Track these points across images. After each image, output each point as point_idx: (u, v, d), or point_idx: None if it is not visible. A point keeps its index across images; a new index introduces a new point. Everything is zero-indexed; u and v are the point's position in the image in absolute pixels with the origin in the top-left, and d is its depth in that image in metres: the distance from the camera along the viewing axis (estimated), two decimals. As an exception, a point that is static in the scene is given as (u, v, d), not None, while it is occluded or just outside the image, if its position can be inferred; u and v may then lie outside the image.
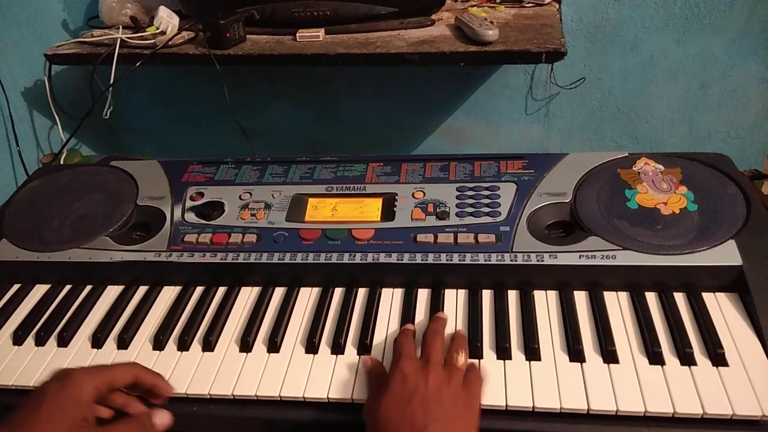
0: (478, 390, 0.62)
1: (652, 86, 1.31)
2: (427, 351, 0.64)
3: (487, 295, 0.75)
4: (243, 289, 0.81)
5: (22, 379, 0.72)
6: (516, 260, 0.74)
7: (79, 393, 0.58)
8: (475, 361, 0.67)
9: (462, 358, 0.64)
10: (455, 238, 0.77)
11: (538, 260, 0.73)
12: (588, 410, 0.61)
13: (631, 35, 1.25)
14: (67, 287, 0.84)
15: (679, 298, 0.72)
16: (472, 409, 0.60)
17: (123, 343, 0.75)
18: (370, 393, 0.64)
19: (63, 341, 0.76)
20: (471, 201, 0.82)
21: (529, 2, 1.21)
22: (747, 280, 0.69)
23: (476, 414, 0.60)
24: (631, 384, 0.63)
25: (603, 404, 0.61)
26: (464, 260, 0.75)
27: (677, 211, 0.77)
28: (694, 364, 0.64)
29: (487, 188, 0.83)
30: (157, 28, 1.16)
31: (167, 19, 1.15)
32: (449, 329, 0.71)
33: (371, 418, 0.59)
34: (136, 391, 0.65)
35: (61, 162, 1.31)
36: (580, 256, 0.73)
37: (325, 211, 0.84)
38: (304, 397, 0.66)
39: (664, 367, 0.64)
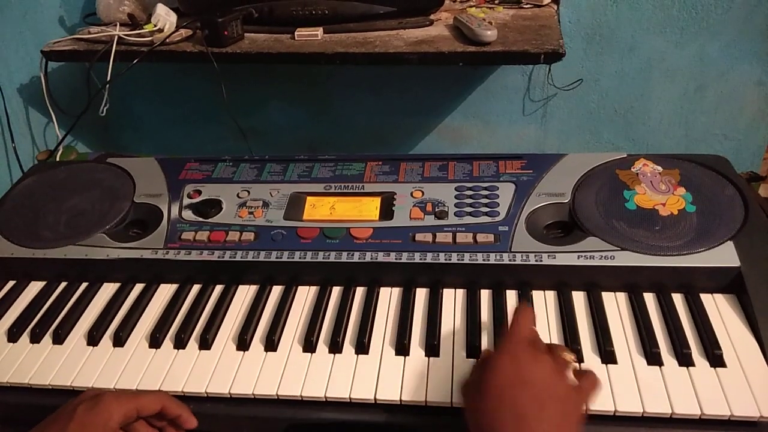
0: (589, 396, 0.57)
1: (650, 88, 1.32)
2: (539, 342, 0.59)
3: (485, 295, 0.75)
4: (240, 287, 0.80)
5: (16, 376, 0.72)
6: (514, 260, 0.74)
7: (108, 418, 0.58)
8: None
9: (570, 356, 0.58)
10: (454, 238, 0.77)
11: (536, 260, 0.73)
12: (586, 410, 0.61)
13: (628, 37, 1.25)
14: (63, 284, 0.84)
15: (677, 299, 0.72)
16: (580, 410, 0.54)
17: (119, 340, 0.74)
18: (473, 374, 0.58)
19: (58, 338, 0.75)
20: (470, 201, 0.81)
21: (527, 3, 1.21)
22: (745, 282, 0.69)
23: (582, 418, 0.54)
24: (629, 384, 0.63)
25: (601, 404, 0.61)
26: (463, 260, 0.75)
27: (675, 212, 0.77)
28: (692, 364, 0.64)
29: (485, 188, 0.83)
30: (155, 26, 1.15)
31: (165, 17, 1.15)
32: (447, 331, 0.71)
33: (474, 400, 0.54)
34: (160, 421, 0.64)
35: (57, 159, 1.30)
36: (578, 257, 0.73)
37: (323, 209, 0.84)
38: (301, 396, 0.66)
39: (662, 367, 0.64)
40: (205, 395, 0.68)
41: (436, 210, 0.81)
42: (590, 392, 0.57)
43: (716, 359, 0.64)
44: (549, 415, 0.51)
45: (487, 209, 0.80)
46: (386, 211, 0.82)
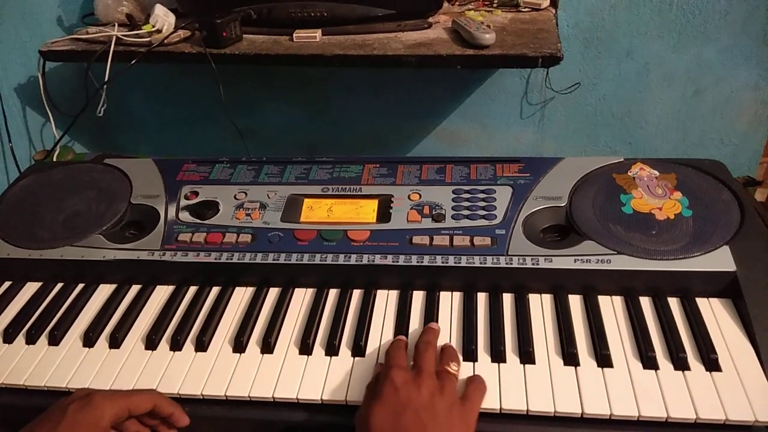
0: (477, 401, 0.61)
1: (647, 92, 1.32)
2: (419, 361, 0.63)
3: (482, 298, 0.75)
4: (237, 289, 0.80)
5: (12, 377, 0.71)
6: (511, 263, 0.74)
7: (99, 416, 0.58)
8: (470, 366, 0.67)
9: (455, 366, 0.63)
10: (451, 241, 0.77)
11: (533, 263, 0.73)
12: (582, 414, 0.61)
13: (626, 41, 1.26)
14: (59, 285, 0.84)
15: (673, 303, 0.72)
16: (467, 420, 0.58)
17: (115, 342, 0.74)
18: (363, 401, 0.63)
19: (54, 340, 0.75)
20: (467, 203, 0.82)
21: (525, 7, 1.21)
22: (740, 286, 0.70)
23: (472, 425, 0.59)
24: (625, 388, 0.63)
25: (597, 408, 0.61)
26: (460, 263, 0.75)
27: (672, 217, 0.77)
28: (688, 368, 0.64)
29: (483, 191, 0.83)
30: (153, 26, 1.15)
31: (163, 18, 1.15)
32: (444, 334, 0.71)
33: (362, 429, 0.58)
34: (152, 419, 0.65)
35: (54, 159, 1.30)
36: (575, 260, 0.73)
37: (320, 211, 0.84)
38: (297, 399, 0.66)
39: (658, 371, 0.64)
40: (201, 397, 0.67)
41: (434, 213, 0.81)
42: (477, 395, 0.61)
43: (712, 363, 0.64)
44: None
45: (485, 212, 0.80)
46: (383, 214, 0.82)
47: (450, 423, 0.57)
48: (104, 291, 0.82)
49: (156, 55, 1.14)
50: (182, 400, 0.68)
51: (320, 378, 0.67)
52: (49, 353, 0.74)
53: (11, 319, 0.79)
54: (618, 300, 0.74)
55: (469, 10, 1.23)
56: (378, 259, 0.76)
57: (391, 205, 0.83)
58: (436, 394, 0.59)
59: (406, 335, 0.71)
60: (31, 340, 0.76)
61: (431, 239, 0.77)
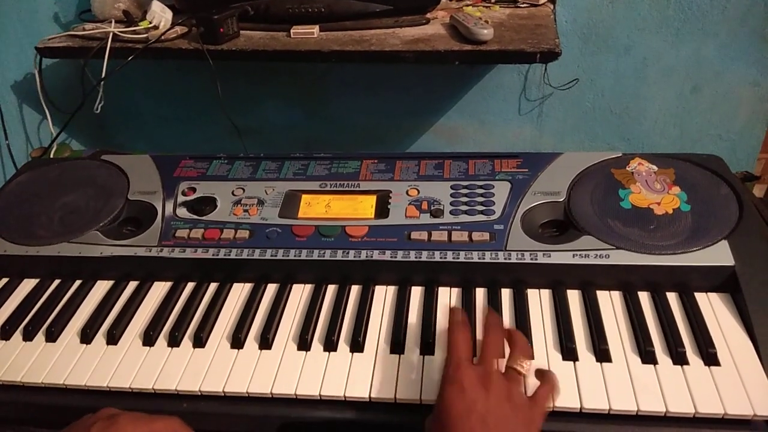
0: (545, 404, 0.57)
1: (645, 88, 1.32)
2: (487, 356, 0.58)
3: (480, 294, 0.75)
4: (235, 285, 0.80)
5: (9, 374, 0.71)
6: (510, 258, 0.74)
7: None
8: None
9: (525, 364, 0.58)
10: (449, 236, 0.77)
11: (531, 259, 0.73)
12: (581, 409, 0.61)
13: (624, 37, 1.26)
14: (56, 282, 0.83)
15: (672, 297, 0.72)
16: (533, 423, 0.55)
17: (112, 338, 0.74)
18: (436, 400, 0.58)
19: (51, 336, 0.75)
20: (465, 199, 0.81)
21: (523, 2, 1.21)
22: (739, 281, 0.69)
23: (538, 427, 0.55)
24: (623, 383, 0.63)
25: (595, 403, 0.61)
26: (458, 258, 0.74)
27: (670, 212, 0.77)
28: (687, 363, 0.64)
29: (481, 186, 0.83)
30: (150, 23, 1.15)
31: (160, 14, 1.14)
32: (442, 330, 0.71)
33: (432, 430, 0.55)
34: None
35: (51, 156, 1.29)
36: (573, 255, 0.73)
37: (318, 207, 0.84)
38: (296, 395, 0.66)
39: (657, 366, 0.64)
40: (199, 393, 0.67)
41: (432, 208, 0.81)
42: (546, 399, 0.57)
43: (710, 358, 0.64)
44: None
45: (483, 208, 0.80)
46: (382, 210, 0.82)
47: (515, 428, 0.54)
48: (101, 287, 0.82)
49: (153, 52, 1.13)
50: (180, 397, 0.68)
51: (318, 374, 0.67)
52: (47, 350, 0.74)
53: (8, 316, 0.78)
54: (616, 295, 0.74)
55: (467, 5, 1.23)
56: (376, 255, 0.76)
57: (389, 200, 0.83)
58: (504, 398, 0.55)
59: (404, 332, 0.71)
60: (28, 337, 0.76)
61: (429, 235, 0.77)
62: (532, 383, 0.60)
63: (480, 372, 0.56)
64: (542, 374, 0.60)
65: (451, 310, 0.64)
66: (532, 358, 0.61)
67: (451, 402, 0.54)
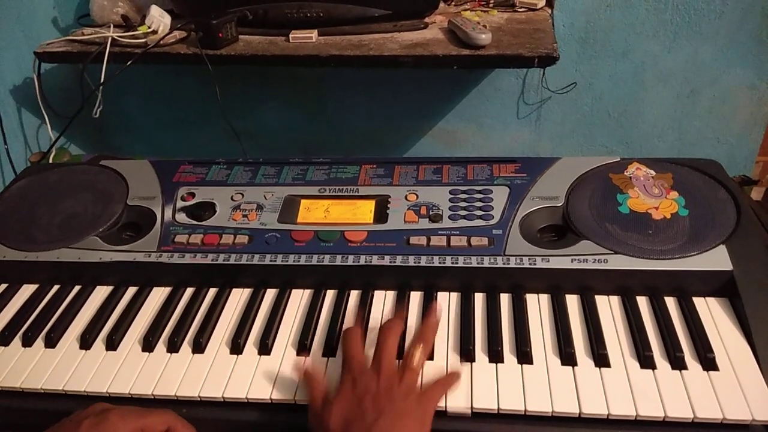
0: (437, 391, 0.61)
1: (643, 92, 1.32)
2: (379, 353, 0.62)
3: (479, 298, 0.75)
4: (234, 290, 0.80)
5: (8, 380, 0.71)
6: (508, 263, 0.74)
7: None
8: (467, 366, 0.67)
9: (417, 357, 0.62)
10: (448, 241, 0.77)
11: (530, 263, 0.73)
12: (579, 414, 0.61)
13: (622, 41, 1.26)
14: (56, 287, 0.83)
15: (670, 302, 0.72)
16: (423, 407, 0.59)
17: (112, 344, 0.74)
18: (313, 400, 0.61)
19: (51, 342, 0.75)
20: (464, 204, 0.82)
21: (521, 7, 1.21)
22: (737, 285, 0.70)
23: (428, 413, 0.59)
24: (622, 388, 0.63)
25: (594, 408, 0.61)
26: (457, 263, 0.75)
27: (668, 216, 0.77)
28: (685, 368, 0.64)
29: (480, 191, 0.83)
30: (149, 27, 1.15)
31: (159, 19, 1.15)
32: (441, 334, 0.71)
33: (323, 424, 0.58)
34: None
35: (50, 161, 1.29)
36: (572, 260, 0.73)
37: (317, 212, 0.84)
38: (294, 400, 0.66)
39: (655, 371, 0.64)
40: (199, 399, 0.67)
41: (431, 213, 0.81)
42: (438, 388, 0.61)
43: (709, 363, 0.64)
44: (391, 414, 0.56)
45: (482, 212, 0.80)
46: (381, 215, 0.82)
47: (406, 407, 0.57)
48: (101, 293, 0.82)
49: (152, 57, 1.13)
50: (179, 402, 0.68)
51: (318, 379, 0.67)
52: (46, 356, 0.74)
53: (7, 322, 0.78)
54: (615, 299, 0.74)
55: (466, 10, 1.23)
56: (375, 260, 0.76)
57: (388, 205, 0.83)
58: (395, 383, 0.59)
59: (404, 335, 0.71)
60: (27, 342, 0.76)
61: (428, 240, 0.77)
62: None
63: (372, 366, 0.61)
64: (439, 377, 0.63)
65: (355, 323, 0.69)
66: (424, 357, 0.63)
67: (346, 390, 0.59)
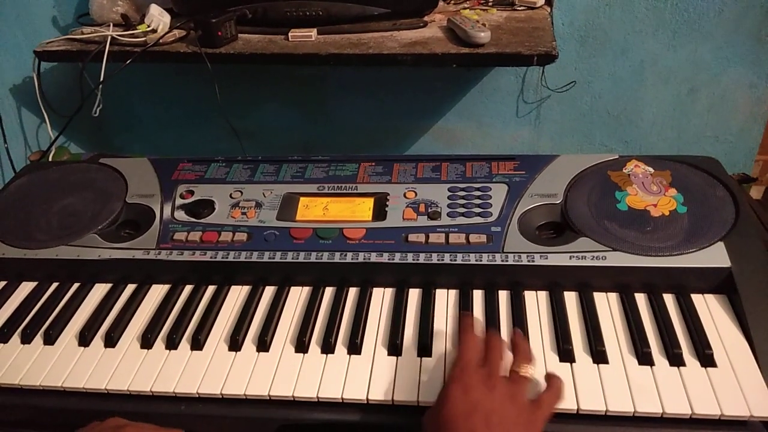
0: (549, 408, 0.58)
1: (642, 90, 1.32)
2: (492, 358, 0.60)
3: (477, 296, 0.75)
4: (233, 287, 0.80)
5: (7, 377, 0.71)
6: (507, 261, 0.74)
7: None
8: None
9: (529, 370, 0.60)
10: (446, 238, 0.77)
11: (528, 261, 0.74)
12: (578, 410, 0.61)
13: (621, 39, 1.26)
14: (55, 285, 0.84)
15: (669, 299, 0.72)
16: (535, 426, 0.56)
17: (111, 341, 0.74)
18: (436, 399, 0.59)
19: (49, 339, 0.75)
20: (462, 201, 0.82)
21: (521, 5, 1.21)
22: (735, 282, 0.70)
23: (539, 430, 0.56)
24: (620, 384, 0.63)
25: (592, 404, 0.61)
26: (455, 260, 0.75)
27: (667, 213, 0.77)
28: (683, 364, 0.64)
29: (478, 189, 0.83)
30: (148, 26, 1.15)
31: (158, 17, 1.15)
32: (439, 332, 0.71)
33: (431, 426, 0.56)
34: None
35: (50, 160, 1.29)
36: (570, 257, 0.73)
37: (316, 210, 0.84)
38: (293, 397, 0.66)
39: (653, 367, 0.65)
40: (197, 396, 0.67)
41: (429, 211, 0.81)
42: (550, 403, 0.58)
43: (707, 359, 0.64)
44: None
45: (480, 210, 0.80)
46: (379, 212, 0.82)
47: (517, 428, 0.55)
48: (100, 290, 0.82)
49: (151, 55, 1.13)
50: (178, 399, 0.68)
51: (316, 376, 0.67)
52: (45, 353, 0.74)
53: (6, 319, 0.79)
54: (613, 296, 0.74)
55: (465, 8, 1.23)
56: (374, 257, 0.76)
57: (387, 203, 0.83)
58: (507, 399, 0.56)
59: (401, 334, 0.71)
60: (26, 339, 0.76)
61: (427, 237, 0.77)
62: (535, 388, 0.61)
63: (484, 374, 0.58)
64: (549, 379, 0.61)
65: (463, 315, 0.66)
66: (534, 363, 0.62)
67: (455, 401, 0.56)
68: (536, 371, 0.61)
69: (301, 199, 0.86)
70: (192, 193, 0.88)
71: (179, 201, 0.87)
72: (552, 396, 0.59)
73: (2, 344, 0.76)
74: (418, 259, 0.75)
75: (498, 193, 0.82)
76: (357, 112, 1.48)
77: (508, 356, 0.62)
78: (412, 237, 0.78)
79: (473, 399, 0.55)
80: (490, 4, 1.24)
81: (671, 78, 1.29)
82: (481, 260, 0.74)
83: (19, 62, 1.34)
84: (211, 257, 0.79)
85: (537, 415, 0.57)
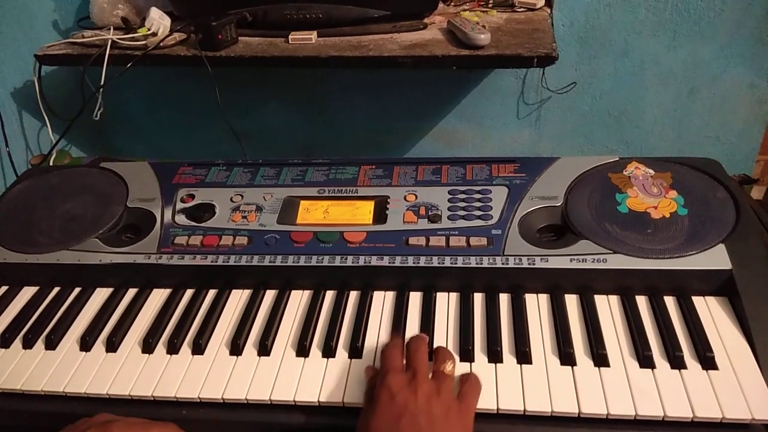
0: (473, 400, 0.61)
1: (643, 91, 1.32)
2: (413, 362, 0.62)
3: (478, 299, 0.75)
4: (233, 291, 0.80)
5: (8, 382, 0.71)
6: (507, 263, 0.74)
7: None
8: (467, 366, 0.67)
9: (449, 366, 0.63)
10: (447, 241, 0.77)
11: (529, 263, 0.73)
12: (579, 413, 0.61)
13: (621, 41, 1.26)
14: (56, 289, 0.84)
15: (670, 301, 0.72)
16: (464, 420, 0.58)
17: (112, 346, 0.74)
18: (363, 409, 0.62)
19: (51, 344, 0.75)
20: (463, 204, 0.82)
21: (521, 7, 1.21)
22: (736, 284, 0.69)
23: (470, 424, 0.59)
24: (621, 387, 0.63)
25: (594, 408, 0.61)
26: (456, 263, 0.75)
27: (667, 216, 0.77)
28: (684, 367, 0.64)
29: (479, 191, 0.83)
30: (149, 30, 1.15)
31: (159, 21, 1.15)
32: (441, 335, 0.71)
33: None
34: None
35: (51, 163, 1.30)
36: (571, 260, 0.73)
37: (316, 213, 0.84)
38: (294, 401, 0.66)
39: (655, 370, 0.64)
40: (198, 400, 0.67)
41: (430, 213, 0.81)
42: (472, 393, 0.61)
43: (708, 362, 0.64)
44: None
45: (480, 213, 0.80)
46: (380, 215, 0.82)
47: (447, 425, 0.57)
48: (101, 295, 0.82)
49: (152, 58, 1.14)
50: (179, 404, 0.68)
51: (317, 380, 0.67)
52: (46, 357, 0.74)
53: (8, 324, 0.79)
54: (614, 299, 0.74)
55: (465, 10, 1.23)
56: (374, 261, 0.76)
57: (387, 206, 0.83)
58: (433, 396, 0.58)
59: (404, 336, 0.71)
60: (27, 344, 0.76)
61: (427, 240, 0.77)
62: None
63: (408, 377, 0.60)
64: (464, 376, 0.63)
65: (391, 334, 0.71)
66: (455, 360, 0.64)
67: (382, 407, 0.58)
68: (457, 369, 0.64)
69: (302, 202, 0.86)
70: (192, 197, 0.88)
71: (180, 205, 0.87)
72: (471, 387, 0.62)
73: (4, 349, 0.76)
74: (418, 263, 0.75)
75: (498, 196, 0.82)
76: (357, 113, 1.48)
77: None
78: (412, 240, 0.78)
79: (399, 403, 0.57)
80: (489, 5, 1.24)
81: (672, 79, 1.29)
82: (481, 263, 0.74)
83: (20, 66, 1.35)
84: (211, 261, 0.79)
85: (463, 407, 0.59)
